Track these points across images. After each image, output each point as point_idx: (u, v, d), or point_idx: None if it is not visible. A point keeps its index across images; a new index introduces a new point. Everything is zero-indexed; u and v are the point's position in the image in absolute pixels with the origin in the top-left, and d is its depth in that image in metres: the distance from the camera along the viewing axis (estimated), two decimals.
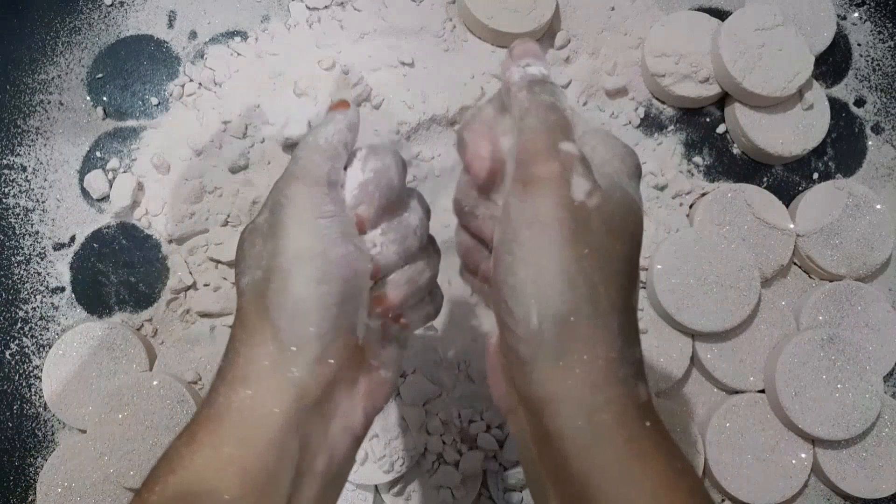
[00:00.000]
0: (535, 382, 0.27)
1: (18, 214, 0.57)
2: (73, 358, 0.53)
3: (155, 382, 0.51)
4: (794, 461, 0.54)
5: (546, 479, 0.28)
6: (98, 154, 0.58)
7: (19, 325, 0.56)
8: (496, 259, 0.29)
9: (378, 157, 0.32)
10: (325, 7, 0.59)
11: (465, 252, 0.34)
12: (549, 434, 0.27)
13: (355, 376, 0.31)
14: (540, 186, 0.27)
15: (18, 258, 0.57)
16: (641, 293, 0.57)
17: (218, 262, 0.55)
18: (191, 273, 0.55)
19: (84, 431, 0.52)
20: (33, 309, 0.56)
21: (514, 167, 0.28)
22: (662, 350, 0.55)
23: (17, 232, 0.57)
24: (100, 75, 0.60)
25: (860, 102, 0.65)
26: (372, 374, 0.31)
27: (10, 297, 0.56)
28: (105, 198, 0.57)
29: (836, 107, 0.63)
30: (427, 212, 0.34)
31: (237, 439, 0.27)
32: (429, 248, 0.35)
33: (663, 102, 0.62)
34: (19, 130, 0.58)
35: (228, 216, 0.55)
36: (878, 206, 0.59)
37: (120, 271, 0.56)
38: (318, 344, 0.28)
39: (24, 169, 0.58)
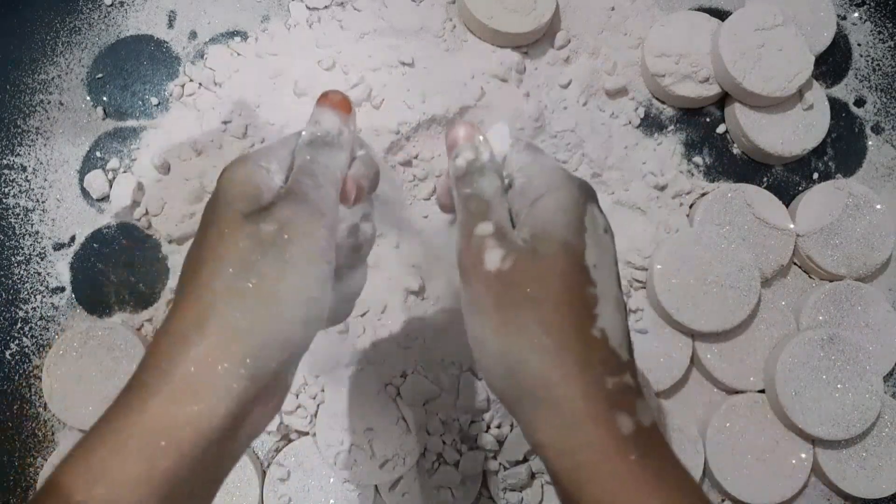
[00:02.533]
0: (526, 434, 0.29)
1: (18, 214, 0.57)
2: (73, 358, 0.53)
3: None
4: (794, 461, 0.54)
5: None
6: (98, 154, 0.58)
7: (19, 325, 0.56)
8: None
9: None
10: (325, 7, 0.59)
11: None
12: (552, 476, 0.29)
13: (275, 393, 0.30)
14: (464, 274, 0.30)
15: (18, 258, 0.57)
16: (641, 294, 0.57)
17: None
18: None
19: (84, 431, 0.52)
20: (33, 309, 0.56)
21: None
22: (662, 350, 0.55)
23: (17, 232, 0.57)
24: (100, 75, 0.60)
25: (860, 102, 0.65)
26: (286, 390, 0.31)
27: (10, 297, 0.56)
28: (105, 198, 0.57)
29: (836, 107, 0.63)
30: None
31: (172, 451, 0.26)
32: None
33: (663, 102, 0.62)
34: (19, 130, 0.58)
35: None
36: (878, 206, 0.59)
37: (120, 271, 0.56)
38: (273, 377, 0.28)
39: (24, 169, 0.58)
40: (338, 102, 0.33)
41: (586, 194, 0.32)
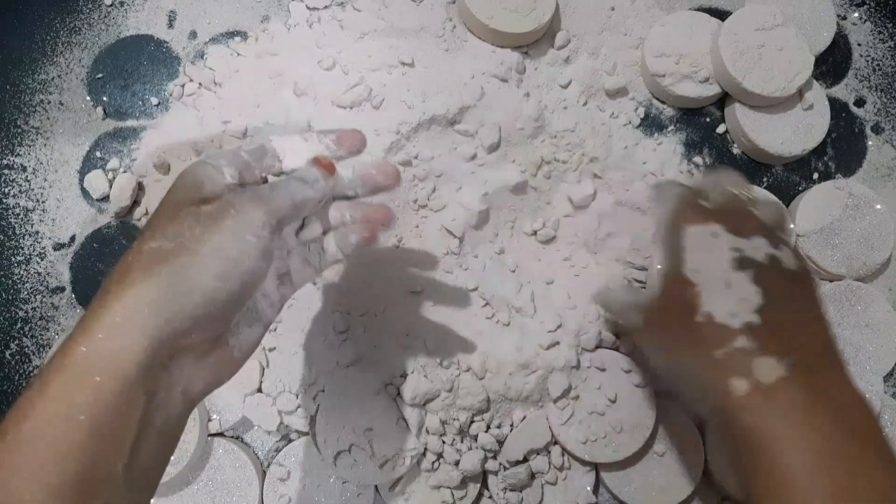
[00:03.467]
0: None
1: (18, 214, 0.57)
2: None
3: None
4: None
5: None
6: (98, 154, 0.58)
7: (19, 325, 0.56)
8: None
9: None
10: (325, 7, 0.59)
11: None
12: None
13: (208, 351, 0.33)
14: None
15: (18, 258, 0.57)
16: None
17: None
18: None
19: None
20: (33, 309, 0.56)
21: None
22: None
23: (17, 232, 0.57)
24: (100, 75, 0.60)
25: (860, 102, 0.65)
26: (225, 352, 0.34)
27: (10, 297, 0.56)
28: (105, 198, 0.57)
29: (836, 107, 0.63)
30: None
31: (90, 388, 0.28)
32: None
33: (663, 102, 0.62)
34: (19, 130, 0.58)
35: None
36: (878, 206, 0.59)
37: None
38: (188, 322, 0.30)
39: (24, 169, 0.58)
40: (325, 165, 0.37)
41: (674, 218, 0.41)
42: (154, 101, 0.59)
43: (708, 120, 0.62)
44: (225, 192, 0.33)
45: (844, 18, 0.66)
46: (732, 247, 0.37)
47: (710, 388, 0.35)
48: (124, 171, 0.58)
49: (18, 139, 0.58)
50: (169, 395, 0.31)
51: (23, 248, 0.57)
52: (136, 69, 0.60)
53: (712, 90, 0.60)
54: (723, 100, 0.62)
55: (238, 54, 0.59)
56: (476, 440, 0.52)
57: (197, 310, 0.30)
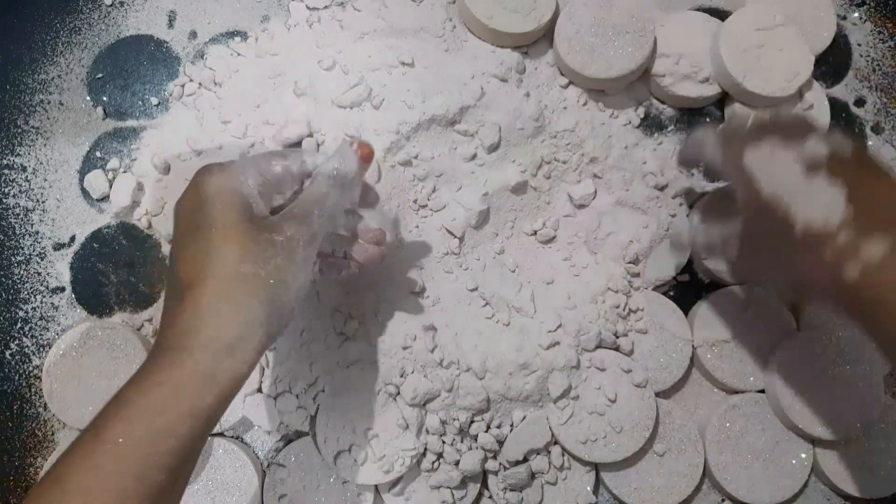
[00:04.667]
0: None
1: (18, 214, 0.57)
2: (73, 358, 0.53)
3: None
4: (794, 461, 0.54)
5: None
6: (98, 154, 0.59)
7: (19, 325, 0.56)
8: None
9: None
10: (325, 7, 0.59)
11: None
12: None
13: None
14: None
15: (18, 258, 0.57)
16: (641, 294, 0.57)
17: None
18: None
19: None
20: (33, 309, 0.56)
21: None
22: (662, 350, 0.55)
23: (17, 232, 0.57)
24: (100, 75, 0.60)
25: (860, 102, 0.65)
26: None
27: (10, 297, 0.56)
28: (105, 198, 0.57)
29: (836, 107, 0.63)
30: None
31: (215, 394, 0.34)
32: None
33: (663, 102, 0.62)
34: (19, 130, 0.58)
35: None
36: None
37: (120, 271, 0.56)
38: (276, 338, 0.38)
39: (24, 169, 0.58)
40: (366, 154, 0.42)
41: (726, 154, 0.46)
42: (154, 101, 0.59)
43: (708, 120, 0.62)
44: (284, 219, 0.39)
45: (844, 18, 0.66)
46: (795, 155, 0.40)
47: (827, 289, 0.38)
48: (124, 171, 0.58)
49: (18, 139, 0.58)
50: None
51: (23, 248, 0.57)
52: (136, 69, 0.60)
53: (712, 90, 0.60)
54: (723, 100, 0.62)
55: (238, 54, 0.59)
56: (476, 440, 0.52)
57: (283, 328, 0.38)
